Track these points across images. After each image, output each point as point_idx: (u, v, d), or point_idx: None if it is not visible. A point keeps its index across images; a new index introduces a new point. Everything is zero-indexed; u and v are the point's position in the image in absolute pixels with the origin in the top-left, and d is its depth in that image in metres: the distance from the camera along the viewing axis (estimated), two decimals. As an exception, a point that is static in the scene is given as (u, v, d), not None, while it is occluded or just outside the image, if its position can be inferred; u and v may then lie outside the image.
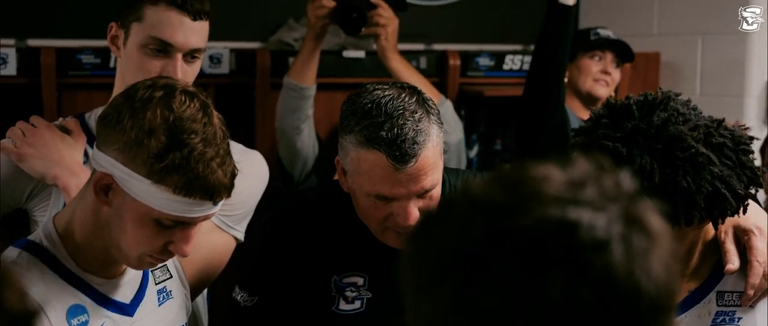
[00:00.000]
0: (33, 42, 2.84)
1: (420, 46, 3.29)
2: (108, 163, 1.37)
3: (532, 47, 2.70)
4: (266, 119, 2.87)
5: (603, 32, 2.96)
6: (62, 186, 1.72)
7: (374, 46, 2.79)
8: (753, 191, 1.41)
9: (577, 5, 2.55)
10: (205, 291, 2.00)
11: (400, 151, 1.52)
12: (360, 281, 1.72)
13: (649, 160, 1.33)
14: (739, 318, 1.49)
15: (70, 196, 1.67)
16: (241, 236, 1.91)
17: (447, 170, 1.69)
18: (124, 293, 1.52)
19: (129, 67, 1.81)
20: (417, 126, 1.54)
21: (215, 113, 1.40)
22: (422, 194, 1.58)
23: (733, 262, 1.46)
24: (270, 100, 2.85)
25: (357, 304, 1.73)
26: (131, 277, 1.54)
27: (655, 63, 3.44)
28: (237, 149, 1.80)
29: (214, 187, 1.37)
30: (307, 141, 2.73)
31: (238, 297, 1.76)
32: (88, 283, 1.47)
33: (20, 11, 2.85)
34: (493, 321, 0.77)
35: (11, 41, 2.81)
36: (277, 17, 3.11)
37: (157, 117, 1.34)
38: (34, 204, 1.81)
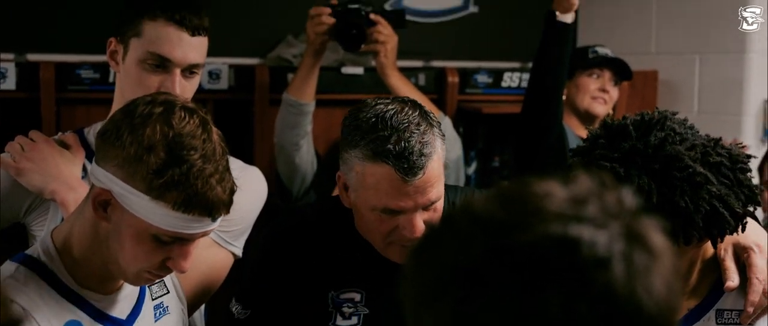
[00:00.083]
0: (32, 56, 2.85)
1: (419, 63, 3.30)
2: (107, 179, 1.37)
3: (530, 65, 2.70)
4: (265, 135, 2.88)
5: (601, 50, 2.97)
6: (60, 201, 1.72)
7: (373, 63, 2.80)
8: (751, 209, 1.41)
9: (575, 23, 2.56)
10: (203, 306, 1.99)
11: (409, 163, 1.53)
12: (357, 297, 1.72)
13: (646, 180, 1.33)
14: (739, 336, 1.49)
15: (68, 211, 1.67)
16: (239, 252, 1.91)
17: (446, 187, 1.70)
18: (120, 309, 1.51)
19: (128, 82, 1.81)
20: (423, 138, 1.55)
21: (214, 129, 1.40)
22: (428, 206, 1.59)
23: (733, 279, 1.46)
24: (269, 116, 2.85)
25: (354, 320, 1.72)
26: (128, 293, 1.53)
27: (653, 81, 3.45)
28: (236, 165, 1.80)
29: (213, 204, 1.36)
30: (306, 157, 2.73)
31: (233, 309, 1.77)
32: (85, 299, 1.46)
33: (20, 26, 2.86)
34: None
35: (10, 56, 2.81)
36: (275, 33, 3.12)
37: (156, 133, 1.34)
38: (32, 218, 1.81)
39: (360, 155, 1.56)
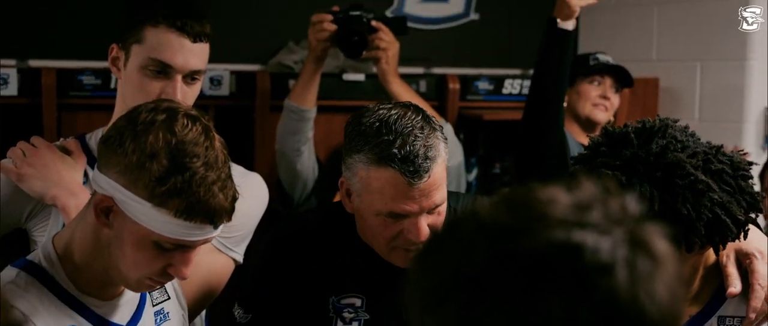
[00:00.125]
0: (34, 62, 2.85)
1: (420, 70, 3.30)
2: (109, 186, 1.37)
3: (531, 71, 2.71)
4: (266, 141, 2.88)
5: (602, 57, 2.97)
6: (61, 207, 1.72)
7: (374, 69, 2.80)
8: (753, 216, 1.41)
9: (576, 30, 2.57)
10: (203, 312, 1.99)
11: (414, 167, 1.54)
12: (358, 302, 1.72)
13: (648, 187, 1.33)
14: (740, 343, 1.49)
15: (69, 216, 1.67)
16: (240, 258, 1.91)
17: (448, 193, 1.70)
18: (121, 315, 1.51)
19: (129, 88, 1.81)
20: (427, 142, 1.56)
21: (217, 137, 1.40)
22: (432, 210, 1.59)
23: (735, 285, 1.46)
24: (270, 122, 2.85)
25: (355, 325, 1.73)
26: (129, 298, 1.53)
27: (654, 88, 3.45)
28: (237, 171, 1.80)
29: (215, 211, 1.37)
30: (307, 163, 2.73)
31: (235, 313, 1.78)
32: (86, 305, 1.46)
33: (21, 32, 2.86)
34: None
35: (12, 62, 2.82)
36: (277, 40, 3.12)
37: (159, 140, 1.34)
38: (33, 224, 1.81)
39: (364, 160, 1.57)
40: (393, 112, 1.58)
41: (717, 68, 3.32)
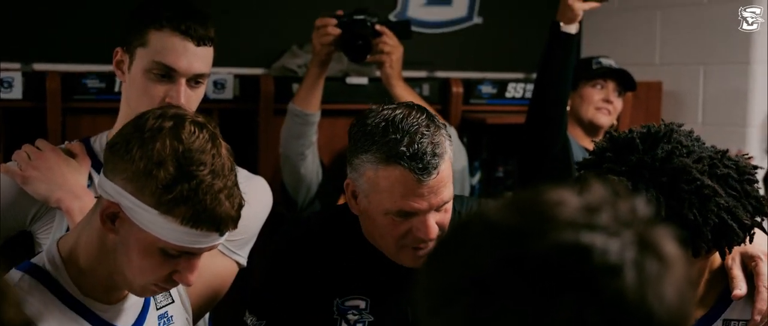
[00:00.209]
0: (38, 66, 2.86)
1: (423, 74, 3.30)
2: (115, 192, 1.37)
3: (534, 75, 2.71)
4: (270, 145, 2.88)
5: (605, 61, 2.97)
6: (65, 209, 1.72)
7: (377, 73, 2.80)
8: (759, 220, 1.41)
9: (579, 34, 2.57)
10: (207, 315, 1.99)
11: (423, 164, 1.55)
12: (362, 304, 1.73)
13: (654, 193, 1.33)
14: (746, 346, 1.49)
15: (74, 219, 1.67)
16: (243, 261, 1.91)
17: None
18: (125, 318, 1.51)
19: (133, 92, 1.81)
20: (433, 139, 1.57)
21: (224, 144, 1.40)
22: (440, 207, 1.60)
23: (741, 288, 1.46)
24: (273, 126, 2.86)
25: (359, 327, 1.73)
26: (133, 302, 1.53)
27: (657, 92, 3.45)
28: (241, 175, 1.79)
29: (221, 219, 1.37)
30: (311, 167, 2.73)
31: (248, 321, 1.77)
32: (90, 309, 1.46)
33: (26, 36, 2.87)
34: None
35: (17, 65, 2.82)
36: (280, 44, 3.13)
37: (166, 148, 1.34)
38: (37, 226, 1.81)
39: (372, 159, 1.57)
40: (398, 111, 1.59)
41: (720, 72, 3.32)
